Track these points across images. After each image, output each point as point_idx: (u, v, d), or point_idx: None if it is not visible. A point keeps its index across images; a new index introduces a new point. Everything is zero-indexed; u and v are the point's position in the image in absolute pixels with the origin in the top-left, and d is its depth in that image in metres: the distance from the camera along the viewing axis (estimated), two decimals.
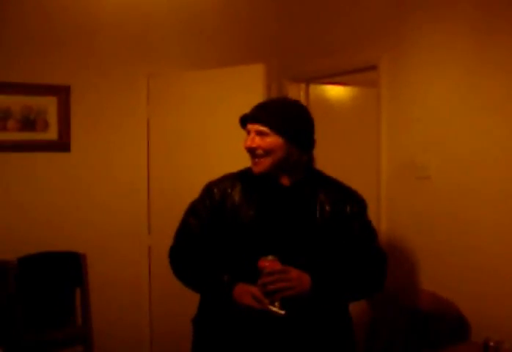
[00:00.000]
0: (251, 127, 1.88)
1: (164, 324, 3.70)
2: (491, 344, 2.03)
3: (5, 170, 3.28)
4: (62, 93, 3.36)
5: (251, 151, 1.88)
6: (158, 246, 3.56)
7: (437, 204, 2.88)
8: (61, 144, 3.38)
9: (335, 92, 4.05)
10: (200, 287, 1.93)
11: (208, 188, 1.98)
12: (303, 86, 3.94)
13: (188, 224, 1.97)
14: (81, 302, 3.40)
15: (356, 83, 4.05)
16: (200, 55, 3.75)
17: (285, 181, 1.93)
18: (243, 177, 1.97)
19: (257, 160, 1.88)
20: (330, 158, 3.86)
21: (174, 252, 2.00)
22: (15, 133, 3.25)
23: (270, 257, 1.76)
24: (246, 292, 1.77)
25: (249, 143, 1.87)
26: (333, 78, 3.78)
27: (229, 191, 1.93)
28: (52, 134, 3.35)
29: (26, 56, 3.27)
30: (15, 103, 3.24)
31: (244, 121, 1.92)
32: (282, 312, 1.73)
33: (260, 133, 1.86)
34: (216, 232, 1.91)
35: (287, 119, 1.89)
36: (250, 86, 3.16)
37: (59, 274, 3.36)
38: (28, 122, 3.28)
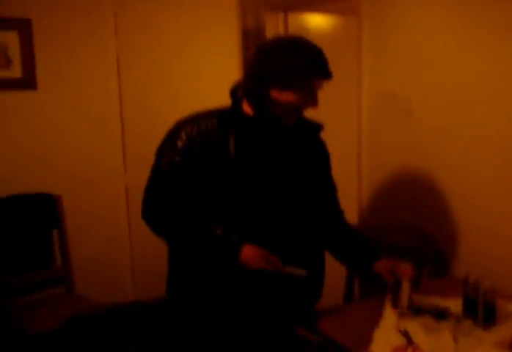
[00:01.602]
0: (322, 83, 1.72)
1: (145, 261, 3.68)
2: (471, 281, 2.01)
3: None
4: (23, 27, 3.13)
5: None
6: (135, 185, 3.46)
7: (420, 141, 2.80)
8: (27, 82, 3.19)
9: (316, 21, 3.82)
10: (194, 247, 1.75)
11: (183, 127, 1.74)
12: (281, 15, 3.74)
13: (164, 169, 1.74)
14: (59, 243, 3.34)
15: (338, 11, 3.83)
16: None
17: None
18: (225, 116, 1.75)
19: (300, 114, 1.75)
20: None
21: (151, 206, 1.79)
22: None
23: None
24: (256, 255, 1.66)
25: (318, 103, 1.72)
26: (313, 6, 3.57)
27: (214, 132, 1.71)
28: (15, 71, 3.15)
29: None
30: None
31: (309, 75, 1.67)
32: (304, 273, 1.70)
33: None
34: (199, 178, 1.72)
35: None
36: (223, 17, 2.97)
37: (34, 217, 3.27)
38: None
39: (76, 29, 3.30)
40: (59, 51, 3.28)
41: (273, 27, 3.73)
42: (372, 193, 3.10)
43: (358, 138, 3.13)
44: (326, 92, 3.71)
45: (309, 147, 1.88)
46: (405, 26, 2.79)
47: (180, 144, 1.72)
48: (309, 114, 1.85)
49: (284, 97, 1.66)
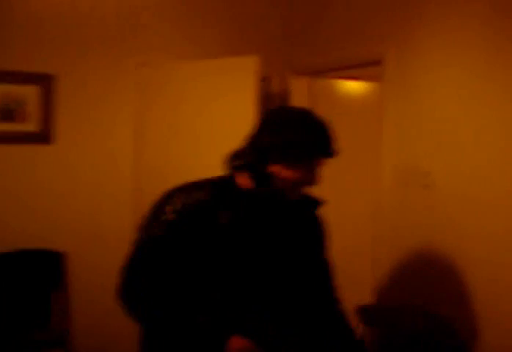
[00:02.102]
0: (324, 161, 1.56)
1: None
2: None
3: None
4: (45, 82, 3.14)
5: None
6: None
7: (441, 214, 2.60)
8: (42, 136, 3.17)
9: (342, 86, 3.75)
10: (176, 334, 1.55)
11: (171, 199, 1.56)
12: (307, 79, 3.68)
13: (147, 246, 1.55)
14: (59, 305, 3.20)
15: (366, 77, 3.75)
16: (195, 44, 3.49)
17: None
18: (218, 188, 1.60)
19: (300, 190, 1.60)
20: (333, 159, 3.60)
21: (130, 287, 1.58)
22: None
23: None
24: (243, 349, 1.49)
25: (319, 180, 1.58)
26: (338, 72, 3.49)
27: (205, 205, 1.55)
28: (32, 125, 3.14)
29: (5, 41, 3.06)
30: None
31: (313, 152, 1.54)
32: None
33: None
34: (187, 255, 1.54)
35: None
36: (242, 79, 2.91)
37: (36, 274, 3.16)
38: (7, 112, 3.08)
39: (98, 87, 3.30)
40: (79, 108, 3.27)
41: (299, 92, 3.67)
42: (389, 271, 2.89)
43: (376, 211, 2.96)
44: (349, 160, 3.60)
45: (307, 224, 1.72)
46: (429, 95, 2.67)
47: (166, 217, 1.54)
48: (323, 187, 1.73)
49: (282, 172, 1.54)
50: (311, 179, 1.56)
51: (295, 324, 1.68)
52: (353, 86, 3.73)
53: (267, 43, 3.66)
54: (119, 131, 3.39)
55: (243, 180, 1.60)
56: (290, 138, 1.50)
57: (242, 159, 1.60)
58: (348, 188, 3.36)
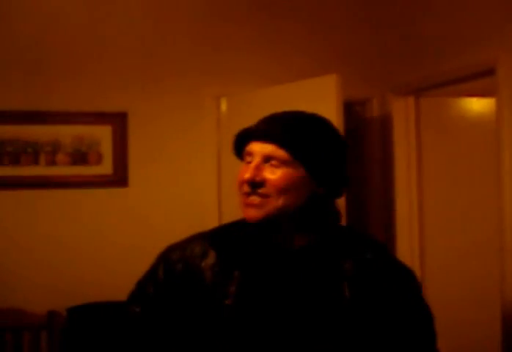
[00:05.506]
0: (258, 149, 1.16)
1: None
2: None
3: (54, 209, 2.91)
4: (118, 121, 2.96)
5: (252, 185, 1.15)
6: None
7: None
8: (118, 179, 2.97)
9: (455, 105, 3.16)
10: None
11: (165, 258, 1.25)
12: (411, 99, 3.16)
13: (132, 318, 1.25)
14: None
15: (484, 92, 3.13)
16: (279, 67, 3.13)
17: (297, 241, 1.18)
18: (218, 237, 1.24)
19: (254, 199, 1.15)
20: (443, 193, 3.01)
21: None
22: (64, 168, 2.90)
23: None
24: None
25: (248, 175, 1.14)
26: (446, 88, 2.92)
27: (199, 261, 1.20)
28: (106, 168, 2.96)
29: (74, 81, 2.93)
30: (64, 134, 2.89)
31: (241, 141, 1.20)
32: None
33: (269, 160, 1.15)
34: (177, 328, 1.21)
35: (317, 141, 1.15)
36: (321, 100, 2.50)
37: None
38: (80, 155, 2.93)
39: (174, 121, 3.06)
40: (154, 146, 3.04)
41: (402, 113, 3.16)
42: None
43: (500, 264, 2.35)
44: (464, 195, 2.99)
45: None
46: None
47: (161, 280, 1.24)
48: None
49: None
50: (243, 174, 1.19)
51: None
52: (467, 104, 3.13)
53: (361, 60, 3.22)
54: (201, 170, 3.09)
55: None
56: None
57: None
58: (464, 226, 2.79)
